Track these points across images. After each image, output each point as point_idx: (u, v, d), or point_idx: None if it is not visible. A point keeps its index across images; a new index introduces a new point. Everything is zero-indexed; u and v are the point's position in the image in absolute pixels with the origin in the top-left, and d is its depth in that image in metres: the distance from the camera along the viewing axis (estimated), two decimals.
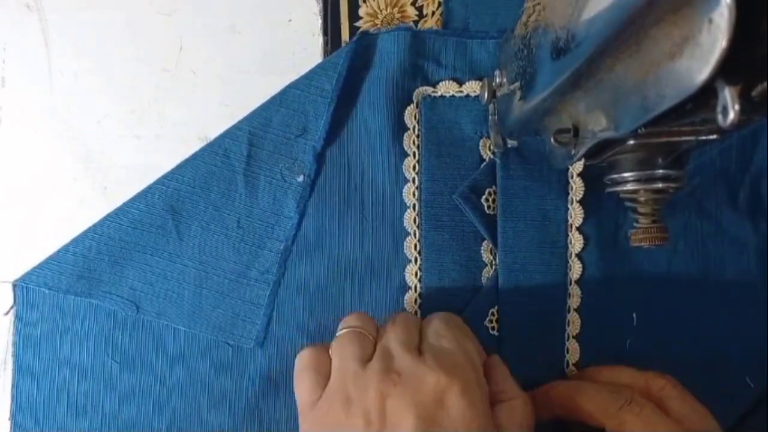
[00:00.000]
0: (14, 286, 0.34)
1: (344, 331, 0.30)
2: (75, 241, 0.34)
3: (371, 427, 0.25)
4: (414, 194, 0.34)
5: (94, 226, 0.34)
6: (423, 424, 0.24)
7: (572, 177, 0.33)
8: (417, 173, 0.34)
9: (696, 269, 0.33)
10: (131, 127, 0.36)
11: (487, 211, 0.34)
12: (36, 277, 0.34)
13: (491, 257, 0.34)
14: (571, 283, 0.33)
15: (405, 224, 0.34)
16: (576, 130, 0.23)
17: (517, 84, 0.26)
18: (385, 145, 0.34)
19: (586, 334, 0.33)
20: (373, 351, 0.28)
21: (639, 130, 0.20)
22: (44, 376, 0.34)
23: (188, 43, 0.37)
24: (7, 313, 0.34)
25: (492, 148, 0.33)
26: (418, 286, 0.34)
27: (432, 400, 0.25)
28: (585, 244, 0.33)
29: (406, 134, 0.34)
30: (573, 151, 0.24)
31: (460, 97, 0.34)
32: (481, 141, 0.34)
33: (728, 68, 0.14)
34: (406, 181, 0.34)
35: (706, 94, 0.15)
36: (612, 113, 0.21)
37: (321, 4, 0.36)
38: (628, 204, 0.26)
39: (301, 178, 0.34)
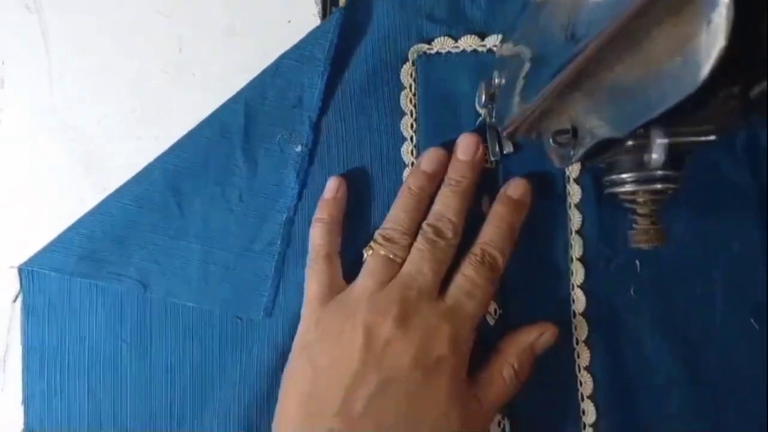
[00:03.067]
0: (20, 270, 0.34)
1: (374, 254, 0.31)
2: (79, 223, 0.34)
3: (369, 351, 0.28)
4: (412, 153, 0.34)
5: (97, 206, 0.34)
6: (416, 366, 0.28)
7: (569, 182, 0.33)
8: (414, 131, 0.34)
9: (697, 268, 0.33)
10: (131, 127, 0.36)
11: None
12: (41, 261, 0.34)
13: None
14: (573, 288, 0.33)
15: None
16: (575, 131, 0.23)
17: (517, 84, 0.26)
18: (381, 106, 0.34)
19: (594, 337, 0.33)
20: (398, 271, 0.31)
21: (638, 130, 0.20)
22: (53, 358, 0.34)
23: (188, 44, 0.37)
24: (15, 299, 0.34)
25: (489, 156, 0.33)
26: None
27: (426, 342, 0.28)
28: (585, 248, 0.33)
29: (402, 93, 0.34)
30: (572, 152, 0.24)
31: (456, 53, 0.34)
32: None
33: (728, 68, 0.14)
34: (403, 139, 0.34)
35: (706, 94, 0.15)
36: (611, 113, 0.21)
37: (320, 5, 0.36)
38: (627, 205, 0.26)
39: (299, 149, 0.34)
